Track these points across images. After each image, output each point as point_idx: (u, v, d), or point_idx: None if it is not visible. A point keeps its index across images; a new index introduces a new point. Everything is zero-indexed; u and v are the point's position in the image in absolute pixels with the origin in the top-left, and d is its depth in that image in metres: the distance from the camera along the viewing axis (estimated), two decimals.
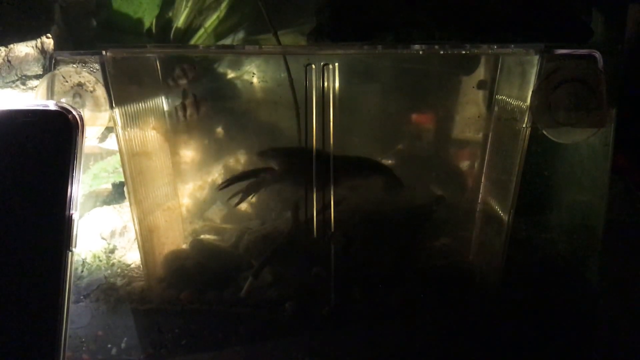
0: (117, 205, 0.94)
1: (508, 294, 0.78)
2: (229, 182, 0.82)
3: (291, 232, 0.82)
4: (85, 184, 0.88)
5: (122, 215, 0.93)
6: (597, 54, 0.68)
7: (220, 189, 0.83)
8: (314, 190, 0.78)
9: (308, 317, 0.76)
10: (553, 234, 0.87)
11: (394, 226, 0.84)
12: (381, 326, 0.75)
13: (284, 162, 0.81)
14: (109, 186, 0.95)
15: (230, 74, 0.86)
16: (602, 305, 0.79)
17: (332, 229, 0.79)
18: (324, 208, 0.79)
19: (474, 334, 0.74)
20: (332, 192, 0.78)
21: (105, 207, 0.94)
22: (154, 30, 0.93)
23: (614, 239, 0.81)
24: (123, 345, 0.72)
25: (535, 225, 0.87)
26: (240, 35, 0.95)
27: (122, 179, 0.83)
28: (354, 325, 0.76)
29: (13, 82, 0.84)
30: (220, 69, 0.87)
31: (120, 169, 0.79)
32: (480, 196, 0.84)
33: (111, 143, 0.80)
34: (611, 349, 0.72)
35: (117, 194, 0.95)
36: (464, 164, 0.86)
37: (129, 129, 0.75)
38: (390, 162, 0.87)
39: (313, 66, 0.73)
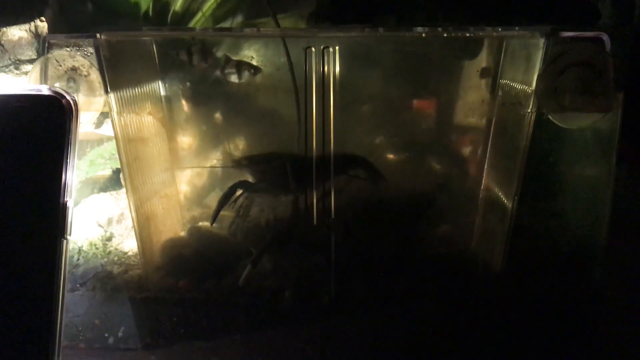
0: (114, 192, 0.94)
1: (510, 282, 0.78)
2: (217, 211, 0.82)
3: (290, 219, 0.81)
4: (81, 170, 0.88)
5: (119, 203, 0.92)
6: (605, 37, 0.67)
7: (212, 224, 0.83)
8: (313, 179, 0.78)
9: (308, 306, 0.76)
10: (557, 221, 0.86)
11: (395, 213, 0.84)
12: (382, 315, 0.75)
13: (259, 172, 0.82)
14: (106, 173, 0.95)
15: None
16: (605, 295, 0.78)
17: (332, 217, 0.78)
18: (323, 195, 0.78)
19: (476, 323, 0.74)
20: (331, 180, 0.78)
21: (102, 194, 0.94)
22: (150, 14, 0.92)
23: (619, 227, 0.80)
24: (120, 334, 0.72)
25: (539, 212, 0.86)
26: (239, 19, 0.94)
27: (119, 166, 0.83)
28: (354, 314, 0.75)
29: (6, 66, 0.84)
30: (219, 54, 0.86)
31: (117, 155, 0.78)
32: (483, 183, 0.83)
33: (108, 129, 0.80)
34: (615, 339, 0.72)
35: (115, 180, 0.95)
36: (467, 150, 0.85)
37: (124, 115, 0.74)
38: (391, 148, 0.86)
39: (313, 49, 0.72)
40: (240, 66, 0.77)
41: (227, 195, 0.81)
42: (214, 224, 0.84)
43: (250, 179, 0.83)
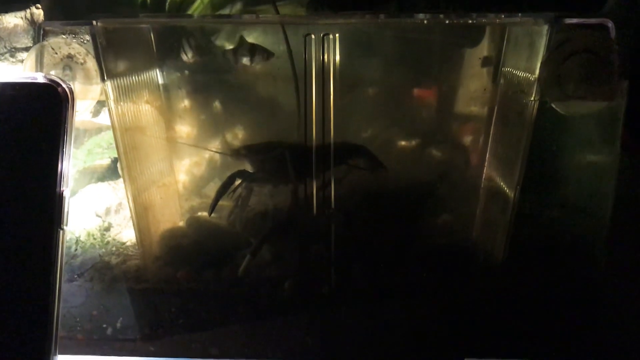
0: (112, 182, 0.94)
1: (512, 272, 0.77)
2: (215, 202, 0.81)
3: (290, 209, 0.81)
4: (79, 160, 0.87)
5: (117, 192, 0.92)
6: (609, 24, 0.66)
7: (210, 214, 0.83)
8: (313, 168, 0.77)
9: (307, 296, 0.76)
10: (560, 211, 0.86)
11: (395, 203, 0.83)
12: (382, 305, 0.75)
13: (257, 161, 0.81)
14: (104, 162, 0.94)
15: (228, 46, 0.84)
16: (609, 284, 0.78)
17: (332, 207, 0.78)
18: (323, 185, 0.78)
19: (477, 313, 0.74)
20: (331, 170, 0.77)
21: (100, 183, 0.94)
22: (148, 1, 0.91)
23: (622, 216, 0.80)
24: (118, 324, 0.72)
25: (541, 202, 0.86)
26: (238, 6, 0.93)
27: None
28: (354, 305, 0.75)
29: (2, 54, 0.84)
30: (217, 41, 0.85)
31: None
32: (485, 172, 0.83)
33: (105, 118, 0.79)
34: (618, 328, 0.71)
35: (113, 170, 0.94)
36: (469, 139, 0.85)
37: (121, 103, 0.73)
38: (391, 137, 0.86)
39: (313, 36, 0.71)
40: (254, 49, 0.77)
41: (225, 185, 0.81)
42: (212, 214, 0.84)
43: (249, 168, 0.82)
